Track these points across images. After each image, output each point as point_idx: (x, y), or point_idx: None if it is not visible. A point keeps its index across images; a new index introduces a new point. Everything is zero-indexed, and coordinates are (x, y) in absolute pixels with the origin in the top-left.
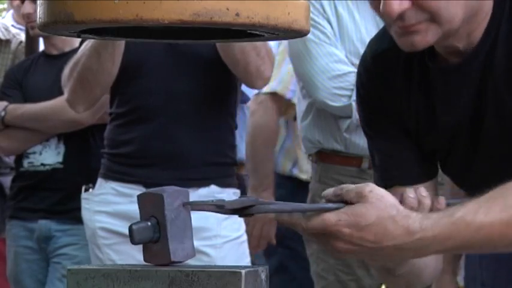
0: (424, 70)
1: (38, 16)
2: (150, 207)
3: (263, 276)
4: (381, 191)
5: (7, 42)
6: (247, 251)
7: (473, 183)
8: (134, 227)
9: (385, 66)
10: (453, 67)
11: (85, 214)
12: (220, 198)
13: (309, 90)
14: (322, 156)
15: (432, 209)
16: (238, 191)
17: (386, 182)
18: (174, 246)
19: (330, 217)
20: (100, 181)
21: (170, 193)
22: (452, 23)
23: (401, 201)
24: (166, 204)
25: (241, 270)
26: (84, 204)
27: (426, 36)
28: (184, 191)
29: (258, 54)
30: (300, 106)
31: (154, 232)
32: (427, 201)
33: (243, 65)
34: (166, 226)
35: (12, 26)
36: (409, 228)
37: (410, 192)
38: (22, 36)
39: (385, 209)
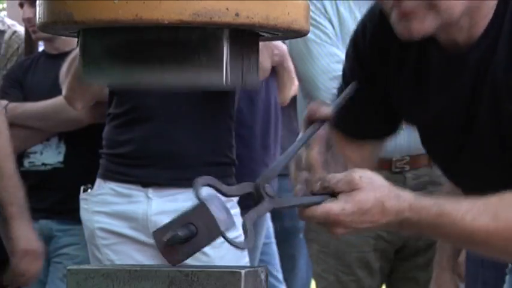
0: (424, 50)
1: (38, 16)
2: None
3: (263, 276)
4: (368, 173)
5: (1, 32)
6: (245, 250)
7: (458, 172)
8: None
9: (390, 29)
10: (453, 56)
11: (84, 214)
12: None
13: (310, 91)
14: None
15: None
16: None
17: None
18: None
19: (333, 207)
20: (99, 181)
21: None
22: (451, 12)
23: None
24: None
25: (241, 271)
26: (82, 205)
27: (424, 24)
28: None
29: None
30: (300, 106)
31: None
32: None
33: None
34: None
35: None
36: (399, 208)
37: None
38: (17, 27)
39: (379, 190)
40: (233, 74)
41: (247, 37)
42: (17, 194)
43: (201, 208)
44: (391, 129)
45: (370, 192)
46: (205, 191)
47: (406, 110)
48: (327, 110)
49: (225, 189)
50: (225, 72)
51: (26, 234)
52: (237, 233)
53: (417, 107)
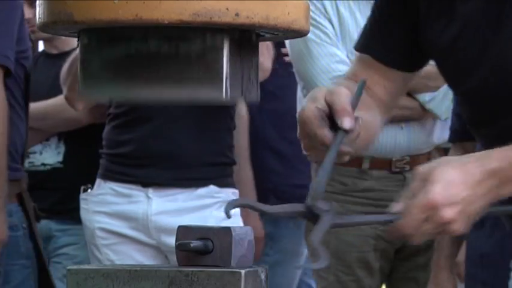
0: None
1: (38, 16)
2: None
3: (263, 276)
4: (429, 165)
5: None
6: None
7: (469, 89)
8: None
9: None
10: None
11: (84, 214)
12: (219, 197)
13: (310, 91)
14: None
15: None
16: (236, 191)
17: (361, 48)
18: None
19: (427, 193)
20: (99, 181)
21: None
22: None
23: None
24: None
25: (241, 271)
26: (82, 205)
27: None
28: None
29: None
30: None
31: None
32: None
33: None
34: None
35: None
36: (483, 164)
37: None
38: None
39: (452, 162)
40: (233, 88)
41: (247, 49)
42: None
43: (225, 233)
44: (415, 63)
45: (445, 167)
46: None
47: (433, 29)
48: (349, 122)
49: (266, 208)
50: (224, 87)
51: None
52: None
53: (441, 18)
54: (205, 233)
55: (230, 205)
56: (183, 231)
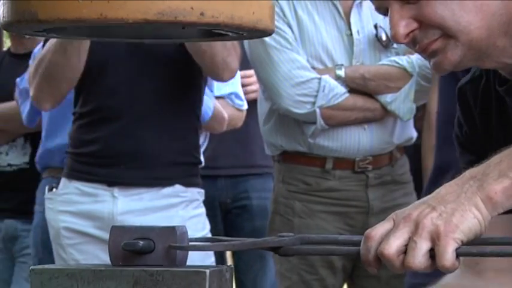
0: (500, 96)
1: (2, 15)
2: None
3: (227, 275)
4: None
5: None
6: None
7: None
8: None
9: (464, 99)
10: None
11: (49, 214)
12: (185, 197)
13: (272, 98)
14: (285, 157)
15: None
16: (202, 191)
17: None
18: None
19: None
20: (64, 181)
21: None
22: (468, 33)
23: None
24: None
25: (206, 270)
26: (47, 204)
27: (447, 54)
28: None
29: (224, 45)
30: (262, 108)
31: None
32: None
33: (210, 56)
34: None
35: None
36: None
37: None
38: None
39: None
40: None
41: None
42: None
43: (169, 232)
44: None
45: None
46: None
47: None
48: None
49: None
50: None
51: None
52: (203, 233)
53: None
54: (144, 233)
55: None
56: (118, 230)
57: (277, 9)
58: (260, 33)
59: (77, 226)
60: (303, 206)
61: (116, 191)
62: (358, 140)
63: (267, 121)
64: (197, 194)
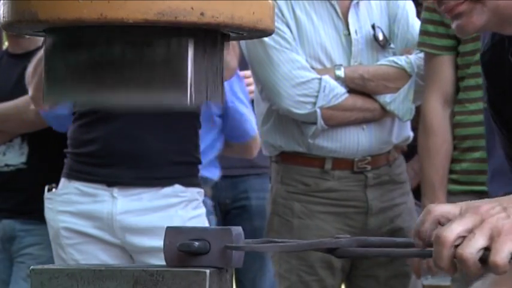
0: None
1: (2, 15)
2: None
3: (227, 276)
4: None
5: None
6: None
7: None
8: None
9: (489, 65)
10: None
11: (48, 214)
12: (184, 197)
13: (272, 98)
14: (283, 157)
15: None
16: (202, 191)
17: None
18: None
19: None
20: (63, 181)
21: None
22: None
23: None
24: None
25: (206, 270)
26: (47, 204)
27: (472, 18)
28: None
29: None
30: (259, 109)
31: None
32: None
33: None
34: None
35: None
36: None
37: None
38: None
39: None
40: (197, 93)
41: (212, 53)
42: None
43: (224, 232)
44: None
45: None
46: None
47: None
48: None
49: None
50: (189, 93)
51: None
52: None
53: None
54: (199, 234)
55: None
56: (173, 232)
57: (275, 9)
58: (260, 33)
59: (76, 226)
60: (302, 207)
61: (116, 191)
62: (357, 140)
63: (266, 122)
64: (197, 194)
